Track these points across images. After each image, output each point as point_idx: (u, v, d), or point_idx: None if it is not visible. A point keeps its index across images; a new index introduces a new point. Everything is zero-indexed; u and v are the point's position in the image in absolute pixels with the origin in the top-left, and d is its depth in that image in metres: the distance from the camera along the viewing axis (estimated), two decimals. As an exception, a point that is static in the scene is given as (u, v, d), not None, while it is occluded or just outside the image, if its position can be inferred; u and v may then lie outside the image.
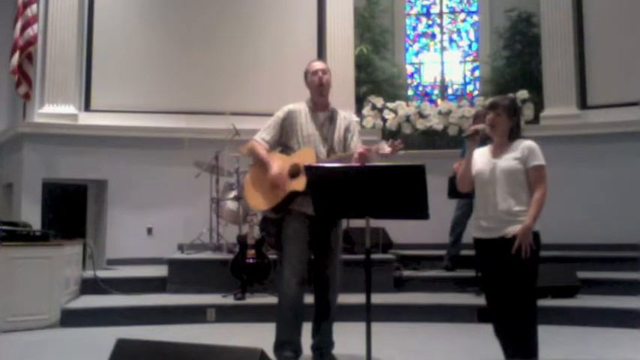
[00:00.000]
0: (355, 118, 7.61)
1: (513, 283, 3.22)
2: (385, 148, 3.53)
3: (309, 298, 3.86)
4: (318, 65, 3.89)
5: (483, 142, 3.54)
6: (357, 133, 3.94)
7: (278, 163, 3.71)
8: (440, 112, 7.89)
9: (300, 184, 3.62)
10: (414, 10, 8.82)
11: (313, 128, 3.80)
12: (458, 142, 6.82)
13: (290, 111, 3.85)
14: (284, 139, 3.84)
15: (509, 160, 3.33)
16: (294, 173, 3.68)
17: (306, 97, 3.93)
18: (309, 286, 3.85)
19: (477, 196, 3.44)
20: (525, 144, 3.36)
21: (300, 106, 3.88)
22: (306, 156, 3.68)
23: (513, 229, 3.23)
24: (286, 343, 3.69)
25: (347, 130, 3.89)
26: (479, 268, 3.60)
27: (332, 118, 3.87)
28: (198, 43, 7.65)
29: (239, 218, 6.34)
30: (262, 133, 3.85)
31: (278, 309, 3.76)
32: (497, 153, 3.41)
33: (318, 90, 3.84)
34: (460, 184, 3.54)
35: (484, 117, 3.55)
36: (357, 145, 3.84)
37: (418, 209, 2.99)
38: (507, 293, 3.23)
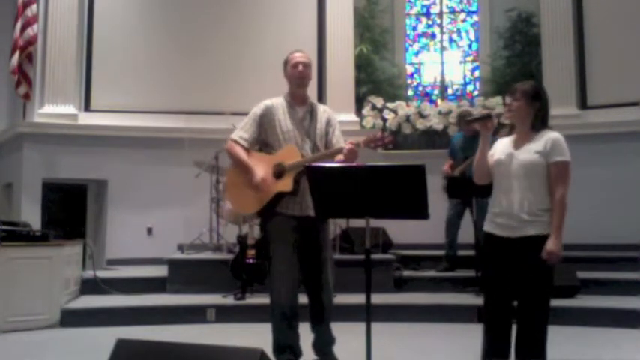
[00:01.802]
0: (354, 117, 7.61)
1: (530, 284, 3.09)
2: (372, 141, 3.39)
3: (302, 298, 3.80)
4: (300, 58, 3.72)
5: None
6: (337, 126, 3.77)
7: (261, 165, 3.56)
8: (440, 112, 7.89)
9: (286, 184, 3.50)
10: (414, 10, 8.82)
11: (293, 123, 3.64)
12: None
13: (267, 106, 3.68)
14: (263, 136, 3.67)
15: (529, 152, 3.10)
16: (278, 173, 3.54)
17: (284, 92, 3.77)
18: (300, 286, 3.78)
19: (495, 189, 3.25)
20: (550, 136, 3.11)
21: (277, 101, 3.71)
22: (289, 154, 3.54)
23: (532, 230, 3.06)
24: (285, 347, 3.63)
25: (328, 124, 3.73)
26: (483, 263, 3.37)
27: (312, 112, 3.72)
28: (198, 43, 7.66)
29: (239, 218, 6.34)
30: (240, 131, 3.68)
31: (271, 315, 3.64)
32: (518, 144, 3.18)
33: (298, 82, 3.68)
34: (476, 176, 3.33)
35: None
36: (339, 140, 3.71)
37: (418, 209, 2.97)
38: (523, 294, 3.11)
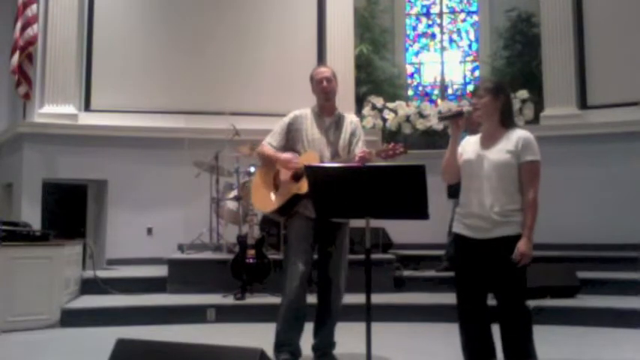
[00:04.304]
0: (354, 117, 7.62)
1: (506, 286, 3.07)
2: (385, 151, 3.51)
3: (312, 299, 3.86)
4: (323, 73, 3.89)
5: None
6: (362, 138, 3.93)
7: (281, 167, 3.74)
8: (440, 112, 7.89)
9: (302, 187, 3.63)
10: (414, 10, 8.82)
11: (318, 133, 3.83)
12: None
13: (296, 116, 3.89)
14: (290, 144, 3.86)
15: (501, 152, 3.07)
16: (298, 176, 3.70)
17: (312, 100, 3.94)
18: (310, 287, 3.86)
19: (463, 190, 3.20)
20: (520, 135, 3.08)
21: (306, 112, 3.91)
22: (309, 159, 3.69)
23: (505, 231, 3.04)
24: (285, 345, 3.70)
25: (352, 134, 3.89)
26: (454, 264, 3.33)
27: (338, 122, 3.89)
28: (198, 43, 7.65)
29: (239, 218, 6.34)
30: (269, 138, 3.90)
31: (279, 309, 3.77)
32: (487, 143, 3.14)
33: (323, 97, 3.87)
34: (445, 175, 3.29)
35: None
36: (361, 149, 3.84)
37: (418, 209, 2.98)
38: (502, 296, 3.09)
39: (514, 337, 3.09)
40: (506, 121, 3.15)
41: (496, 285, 3.11)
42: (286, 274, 3.76)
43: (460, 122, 3.19)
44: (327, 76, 3.87)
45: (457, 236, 3.24)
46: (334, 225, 3.77)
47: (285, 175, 3.75)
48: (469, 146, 3.23)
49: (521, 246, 3.00)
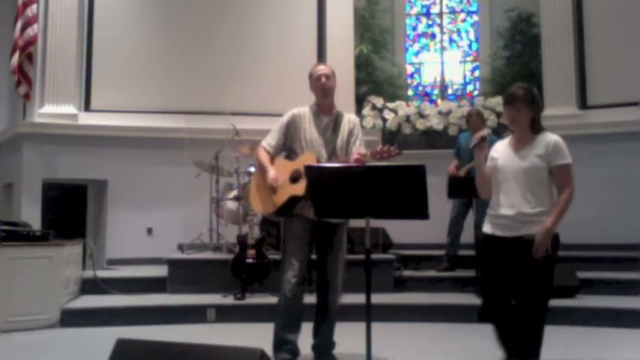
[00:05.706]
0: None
1: (528, 284, 3.11)
2: (379, 152, 3.50)
3: (311, 299, 3.87)
4: (322, 70, 3.88)
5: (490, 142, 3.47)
6: (360, 136, 3.92)
7: (280, 170, 3.74)
8: (440, 112, 7.89)
9: (300, 188, 3.63)
10: (414, 10, 8.83)
11: (316, 132, 3.81)
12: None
13: (294, 115, 3.87)
14: (289, 143, 3.86)
15: (531, 157, 3.17)
16: (295, 178, 3.70)
17: (312, 101, 3.93)
18: (309, 286, 3.87)
19: (495, 192, 3.29)
20: (551, 139, 3.19)
21: (304, 110, 3.89)
22: (306, 161, 3.67)
23: (533, 230, 3.10)
24: (283, 344, 3.71)
25: (350, 133, 3.87)
26: (481, 264, 3.41)
27: (336, 121, 3.88)
28: (198, 43, 7.66)
29: (239, 218, 6.34)
30: (268, 137, 3.89)
31: (277, 308, 3.79)
32: (519, 147, 3.23)
33: (321, 94, 3.86)
34: (481, 192, 3.40)
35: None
36: (359, 149, 3.84)
37: (418, 209, 2.98)
38: (520, 293, 3.13)
39: (528, 334, 3.13)
40: (537, 127, 3.25)
41: (520, 282, 3.15)
42: (284, 272, 3.77)
43: (483, 145, 3.31)
44: (325, 73, 3.86)
45: (486, 236, 3.30)
46: (332, 225, 3.77)
47: (282, 176, 3.73)
48: (500, 150, 3.31)
49: (541, 231, 3.06)
